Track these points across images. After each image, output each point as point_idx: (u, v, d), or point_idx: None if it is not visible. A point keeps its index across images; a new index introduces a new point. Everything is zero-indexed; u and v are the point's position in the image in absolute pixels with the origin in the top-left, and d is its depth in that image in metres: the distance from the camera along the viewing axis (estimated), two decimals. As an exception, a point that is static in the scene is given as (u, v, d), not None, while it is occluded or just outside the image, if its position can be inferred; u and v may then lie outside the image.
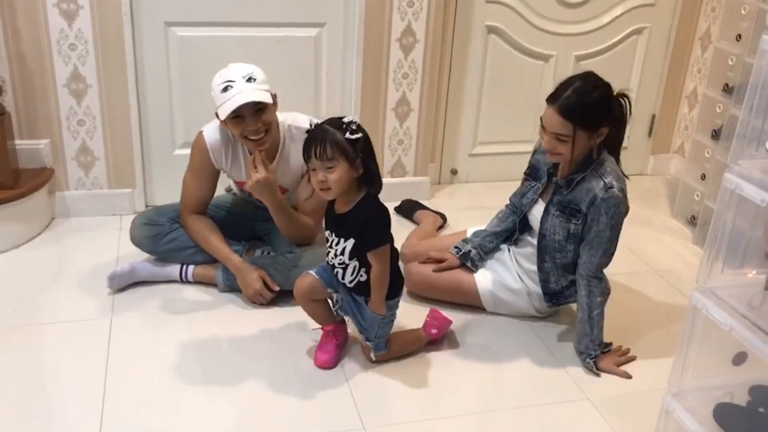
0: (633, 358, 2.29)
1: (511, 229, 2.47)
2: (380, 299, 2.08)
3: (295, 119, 2.46)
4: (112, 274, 2.48)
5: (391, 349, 2.19)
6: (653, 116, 3.72)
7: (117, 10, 2.75)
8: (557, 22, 3.40)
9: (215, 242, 2.49)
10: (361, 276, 2.06)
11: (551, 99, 2.11)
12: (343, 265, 2.05)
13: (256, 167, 2.29)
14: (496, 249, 2.51)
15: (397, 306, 2.17)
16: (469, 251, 2.48)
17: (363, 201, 2.01)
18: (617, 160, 2.22)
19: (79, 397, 2.01)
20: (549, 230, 2.27)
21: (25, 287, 2.52)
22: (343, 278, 2.08)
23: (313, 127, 2.00)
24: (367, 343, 2.15)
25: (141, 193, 3.06)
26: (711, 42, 3.44)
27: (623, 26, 3.48)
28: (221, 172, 2.52)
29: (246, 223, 2.65)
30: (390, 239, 2.05)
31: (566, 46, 3.44)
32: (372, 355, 2.17)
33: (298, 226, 2.46)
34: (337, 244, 2.05)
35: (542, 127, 2.14)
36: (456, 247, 2.50)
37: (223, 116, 2.24)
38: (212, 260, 2.53)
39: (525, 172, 2.40)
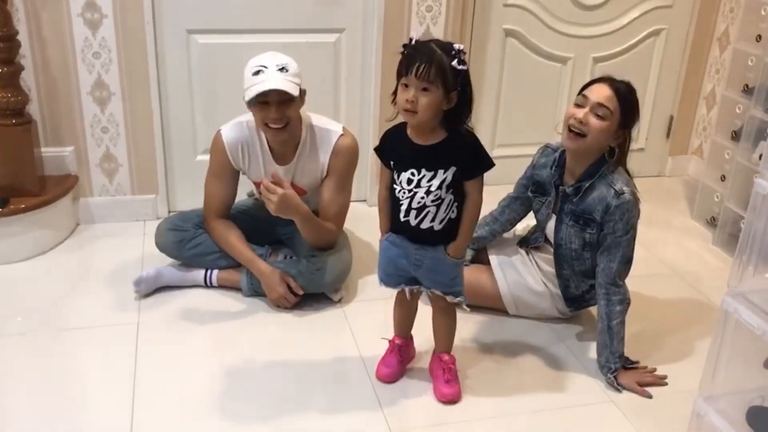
0: (662, 383, 2.19)
1: (487, 237, 2.53)
2: (470, 236, 1.99)
3: (319, 120, 2.48)
4: (138, 279, 2.50)
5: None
6: (671, 117, 3.72)
7: (140, 18, 2.78)
8: (575, 25, 3.41)
9: (239, 247, 2.51)
10: (452, 212, 1.94)
11: (603, 78, 2.17)
12: (438, 201, 1.91)
13: (270, 192, 2.28)
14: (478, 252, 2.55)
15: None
16: None
17: (454, 131, 1.88)
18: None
19: (107, 403, 2.03)
20: (564, 240, 2.28)
21: (52, 293, 2.55)
22: (433, 220, 1.93)
23: (413, 42, 1.82)
24: (459, 299, 2.03)
25: (164, 199, 3.09)
26: (729, 43, 3.44)
27: (641, 28, 3.48)
28: (241, 173, 2.54)
29: (268, 227, 2.67)
30: None
31: (584, 49, 3.44)
32: (465, 306, 2.07)
33: (323, 234, 2.48)
34: (431, 179, 1.89)
35: (578, 105, 2.14)
36: None
37: (248, 98, 2.26)
38: (236, 265, 2.55)
39: (531, 190, 2.39)
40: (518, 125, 3.49)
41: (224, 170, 2.50)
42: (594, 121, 2.11)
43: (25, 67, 2.70)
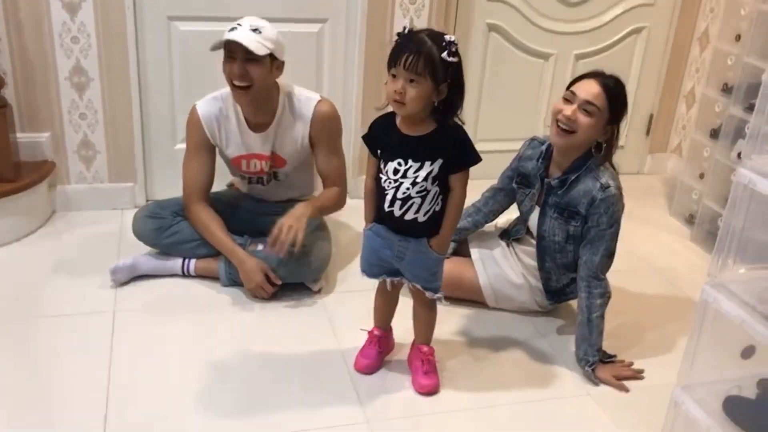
0: (639, 377, 2.22)
1: (469, 228, 2.53)
2: (453, 229, 1.99)
3: (299, 91, 2.51)
4: (114, 267, 2.47)
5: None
6: (651, 115, 3.75)
7: (120, 3, 2.74)
8: (557, 21, 3.42)
9: (219, 234, 2.49)
10: (437, 204, 1.93)
11: (592, 74, 2.17)
12: (423, 193, 1.89)
13: (282, 233, 2.35)
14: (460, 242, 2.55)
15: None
16: None
17: (444, 123, 1.87)
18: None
19: (82, 391, 2.01)
20: (548, 232, 2.29)
21: (27, 281, 2.51)
22: (417, 211, 1.91)
23: (405, 31, 1.81)
24: (437, 295, 2.04)
25: (142, 188, 3.05)
26: (709, 42, 3.47)
27: (623, 25, 3.51)
28: (218, 154, 2.53)
29: (248, 217, 2.65)
30: None
31: (566, 45, 3.46)
32: (443, 300, 2.07)
33: (336, 203, 2.58)
34: (418, 170, 1.88)
35: (566, 100, 2.15)
36: None
37: (212, 46, 2.30)
38: (215, 254, 2.53)
39: (516, 181, 2.39)
40: (500, 120, 3.50)
41: (201, 146, 2.48)
42: (582, 119, 2.12)
43: (1, 50, 2.65)
